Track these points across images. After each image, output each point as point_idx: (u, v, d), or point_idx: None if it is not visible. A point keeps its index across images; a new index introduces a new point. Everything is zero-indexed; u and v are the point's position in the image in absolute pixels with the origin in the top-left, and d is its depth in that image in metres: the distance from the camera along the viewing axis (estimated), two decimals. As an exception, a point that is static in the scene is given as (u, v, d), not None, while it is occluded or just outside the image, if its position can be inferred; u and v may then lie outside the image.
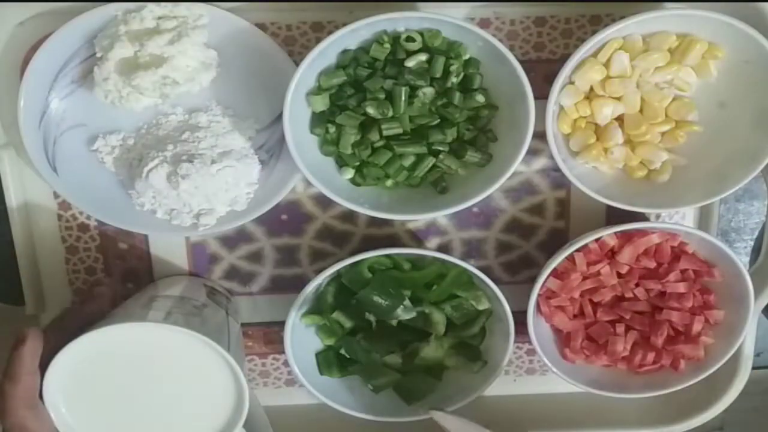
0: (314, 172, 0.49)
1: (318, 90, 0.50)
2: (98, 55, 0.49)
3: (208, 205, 0.52)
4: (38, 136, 0.51)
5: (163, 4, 0.49)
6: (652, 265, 0.54)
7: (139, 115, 0.52)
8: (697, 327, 0.54)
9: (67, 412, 0.45)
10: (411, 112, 0.50)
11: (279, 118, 0.49)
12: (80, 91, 0.51)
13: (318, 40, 0.48)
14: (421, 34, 0.49)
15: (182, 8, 0.49)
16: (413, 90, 0.49)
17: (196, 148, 0.51)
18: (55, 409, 0.45)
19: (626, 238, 0.54)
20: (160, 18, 0.49)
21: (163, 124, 0.52)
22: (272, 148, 0.53)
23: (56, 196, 0.55)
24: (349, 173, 0.52)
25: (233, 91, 0.52)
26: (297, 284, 0.56)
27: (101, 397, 0.46)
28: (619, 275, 0.54)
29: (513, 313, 0.53)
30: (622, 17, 0.48)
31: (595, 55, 0.50)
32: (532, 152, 0.56)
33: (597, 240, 0.53)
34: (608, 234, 0.53)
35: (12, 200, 0.54)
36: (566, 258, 0.53)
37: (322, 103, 0.50)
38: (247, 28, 0.50)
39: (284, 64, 0.50)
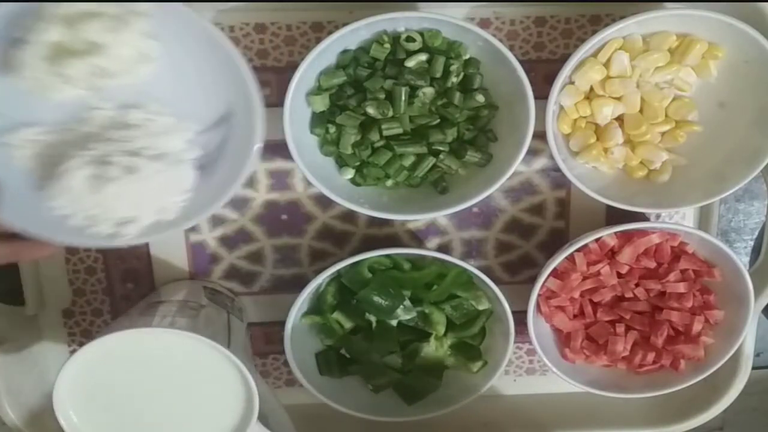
0: (314, 172, 0.49)
1: (318, 90, 0.50)
2: (19, 35, 0.42)
3: (132, 212, 0.46)
4: None
5: None
6: (652, 265, 0.54)
7: (62, 107, 0.45)
8: (697, 327, 0.54)
9: (78, 420, 0.45)
10: (411, 112, 0.50)
11: (222, 120, 0.47)
12: (3, 76, 0.44)
13: (318, 40, 0.48)
14: (421, 34, 0.49)
15: None
16: (413, 90, 0.49)
17: (125, 148, 0.45)
18: (65, 418, 0.45)
19: (626, 238, 0.54)
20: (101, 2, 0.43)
21: (88, 120, 0.46)
22: (212, 153, 0.47)
23: None
24: (349, 173, 0.52)
25: (173, 88, 0.46)
26: (297, 284, 0.56)
27: (110, 404, 0.46)
28: (619, 275, 0.54)
29: (513, 313, 0.53)
30: (622, 17, 0.48)
31: (595, 55, 0.50)
32: (532, 152, 0.56)
33: (597, 240, 0.53)
34: (608, 234, 0.53)
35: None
36: (566, 258, 0.53)
37: (322, 103, 0.50)
38: (194, 18, 0.44)
39: (234, 60, 0.44)
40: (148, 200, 0.46)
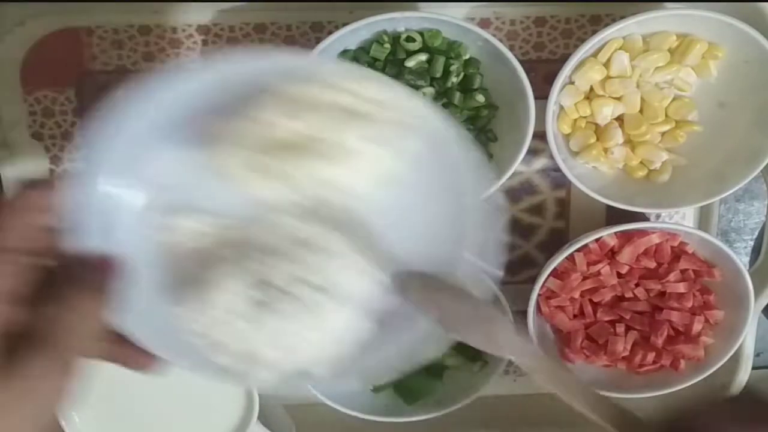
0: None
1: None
2: (252, 113, 0.33)
3: (278, 354, 0.35)
4: (103, 180, 0.34)
5: (398, 87, 0.34)
6: (652, 265, 0.54)
7: (244, 201, 0.35)
8: (697, 327, 0.54)
9: (79, 421, 0.45)
10: (411, 112, 0.50)
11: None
12: (192, 146, 0.35)
13: (318, 40, 0.48)
14: (421, 34, 0.49)
15: (406, 102, 0.34)
16: (413, 90, 0.49)
17: (305, 277, 0.34)
18: (66, 418, 0.45)
19: (626, 238, 0.54)
20: (372, 101, 0.33)
21: (277, 229, 0.35)
22: (399, 308, 0.37)
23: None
24: (350, 173, 0.52)
25: (389, 221, 0.36)
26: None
27: (111, 404, 0.46)
28: (619, 275, 0.54)
29: (513, 313, 0.53)
30: (622, 17, 0.48)
31: (595, 55, 0.50)
32: (532, 152, 0.56)
33: (597, 240, 0.53)
34: (608, 234, 0.53)
35: (12, 201, 0.54)
36: (566, 258, 0.53)
37: (322, 104, 0.50)
38: (460, 155, 0.35)
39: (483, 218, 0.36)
40: (304, 345, 0.35)
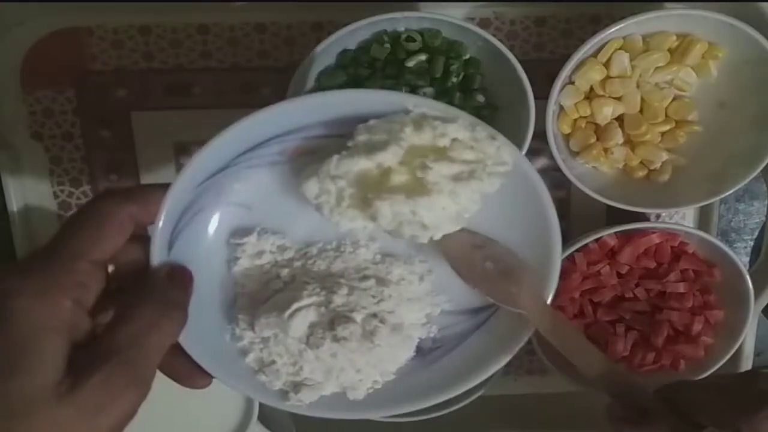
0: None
1: (318, 90, 0.50)
2: (349, 144, 0.35)
3: (320, 378, 0.37)
4: (188, 196, 0.35)
5: (480, 128, 0.36)
6: (652, 265, 0.54)
7: (320, 228, 0.38)
8: (697, 327, 0.54)
9: None
10: (411, 112, 0.50)
11: (480, 310, 0.39)
12: (279, 169, 0.37)
13: (318, 40, 0.48)
14: (421, 34, 0.49)
15: (489, 144, 0.36)
16: (413, 90, 0.49)
17: (367, 306, 0.37)
18: None
19: (626, 238, 0.54)
20: (456, 140, 0.35)
21: (344, 255, 0.38)
22: (444, 341, 0.39)
23: (56, 196, 0.55)
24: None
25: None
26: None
27: None
28: (619, 275, 0.54)
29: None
30: (622, 17, 0.48)
31: (595, 55, 0.50)
32: (532, 152, 0.56)
33: (597, 240, 0.53)
34: (608, 234, 0.53)
35: (12, 203, 0.54)
36: (566, 258, 0.53)
37: (322, 104, 0.50)
38: (539, 192, 0.37)
39: (550, 248, 0.38)
40: (348, 371, 0.37)
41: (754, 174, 0.50)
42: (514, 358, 0.62)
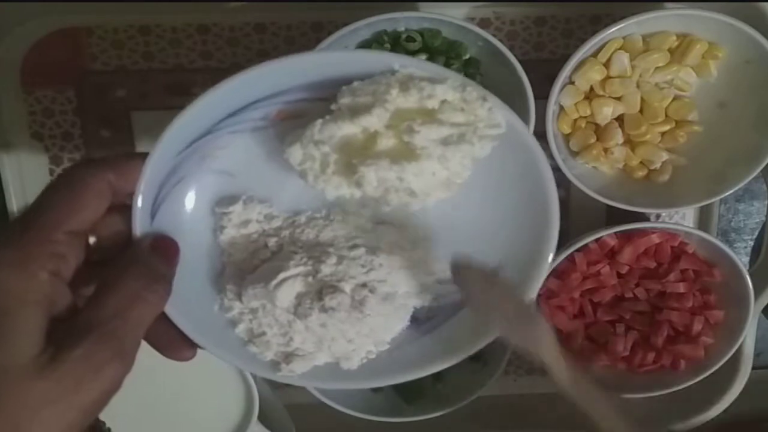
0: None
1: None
2: (333, 108, 0.33)
3: (312, 348, 0.36)
4: (168, 164, 0.34)
5: (471, 89, 0.34)
6: (652, 265, 0.54)
7: (307, 196, 0.36)
8: (697, 327, 0.54)
9: None
10: (411, 112, 0.50)
11: None
12: (262, 134, 0.35)
13: (318, 40, 0.48)
14: (421, 34, 0.49)
15: (480, 106, 0.34)
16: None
17: (357, 275, 0.35)
18: None
19: (626, 238, 0.54)
20: (445, 102, 0.33)
21: (333, 224, 0.37)
22: (439, 309, 0.38)
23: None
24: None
25: (445, 221, 0.37)
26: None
27: (111, 404, 0.46)
28: (619, 275, 0.54)
29: (513, 313, 0.53)
30: (622, 17, 0.48)
31: (595, 55, 0.50)
32: (532, 152, 0.56)
33: (597, 240, 0.53)
34: (608, 234, 0.53)
35: (12, 203, 0.54)
36: (566, 258, 0.53)
37: (322, 104, 0.50)
38: (534, 152, 0.35)
39: (548, 212, 0.36)
40: (340, 341, 0.36)
41: (754, 174, 0.50)
42: (514, 358, 0.62)
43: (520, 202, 0.36)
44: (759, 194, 0.61)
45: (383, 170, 0.33)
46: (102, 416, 0.46)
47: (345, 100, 0.33)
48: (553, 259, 0.52)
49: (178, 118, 0.32)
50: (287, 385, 0.62)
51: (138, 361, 0.45)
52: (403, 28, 0.49)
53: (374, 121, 0.33)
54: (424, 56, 0.49)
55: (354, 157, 0.33)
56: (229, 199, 0.36)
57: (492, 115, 0.34)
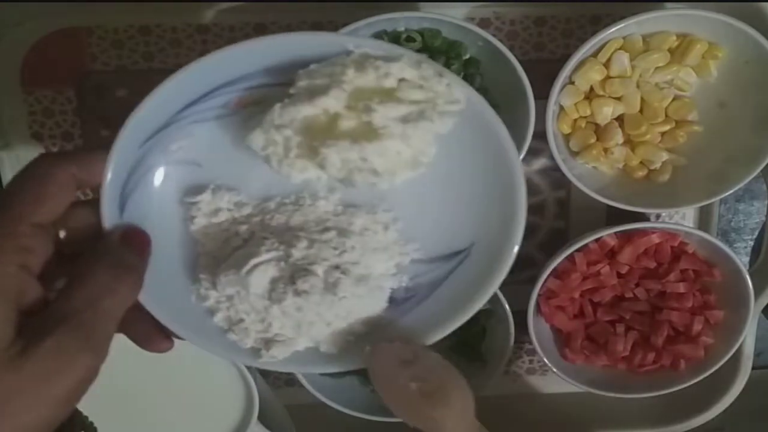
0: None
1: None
2: (292, 91, 0.33)
3: (291, 333, 0.36)
4: (133, 156, 0.34)
5: (426, 66, 0.33)
6: (652, 265, 0.54)
7: (274, 182, 0.36)
8: (697, 327, 0.54)
9: None
10: (411, 112, 0.50)
11: (452, 256, 0.38)
12: (225, 122, 0.35)
13: (318, 40, 0.48)
14: (421, 34, 0.49)
15: (438, 82, 0.34)
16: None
17: (329, 258, 0.36)
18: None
19: (626, 238, 0.54)
20: (403, 81, 0.33)
21: (303, 208, 0.37)
22: (416, 290, 0.38)
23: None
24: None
25: (417, 201, 0.37)
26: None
27: (110, 403, 0.46)
28: (619, 275, 0.54)
29: (513, 313, 0.53)
30: (622, 17, 0.48)
31: (595, 55, 0.50)
32: (532, 152, 0.56)
33: (597, 240, 0.53)
34: (608, 234, 0.53)
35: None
36: (566, 258, 0.53)
37: (322, 103, 0.50)
38: (494, 128, 0.35)
39: (514, 188, 0.35)
40: (318, 325, 0.36)
41: (754, 174, 0.50)
42: (515, 357, 0.62)
43: (487, 178, 0.36)
44: (759, 194, 0.61)
45: (345, 151, 0.33)
46: (101, 416, 0.46)
47: (302, 83, 0.33)
48: (553, 259, 0.53)
49: (137, 108, 0.32)
50: (287, 385, 0.62)
51: (138, 362, 0.46)
52: (403, 28, 0.49)
53: (333, 102, 0.33)
54: (424, 56, 0.49)
55: (316, 139, 0.33)
56: (197, 189, 0.36)
57: (450, 90, 0.34)
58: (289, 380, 0.62)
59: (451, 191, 0.37)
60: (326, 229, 0.36)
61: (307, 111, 0.33)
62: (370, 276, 0.37)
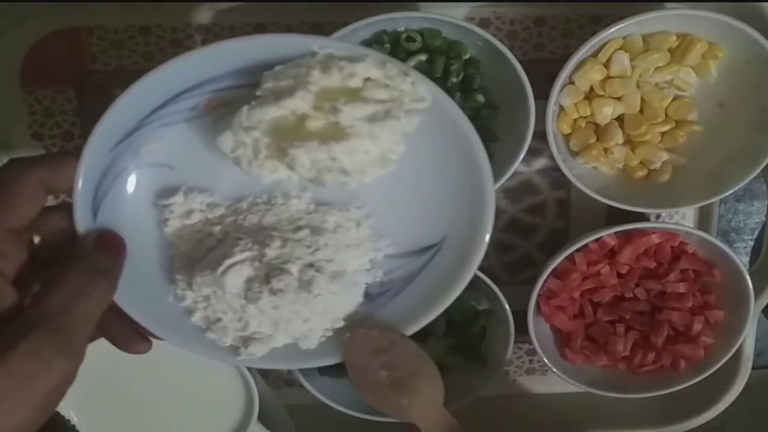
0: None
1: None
2: (258, 93, 0.34)
3: (269, 330, 0.37)
4: (104, 160, 0.34)
5: (391, 65, 0.34)
6: (652, 265, 0.54)
7: (246, 182, 0.37)
8: (697, 327, 0.54)
9: (78, 420, 0.46)
10: (411, 112, 0.50)
11: (425, 250, 0.39)
12: (195, 124, 0.36)
13: (318, 40, 0.48)
14: (421, 34, 0.49)
15: (402, 81, 0.34)
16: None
17: (303, 256, 0.36)
18: (65, 414, 0.45)
19: (626, 238, 0.54)
20: (369, 80, 0.34)
21: (275, 208, 0.37)
22: (391, 284, 0.39)
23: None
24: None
25: (388, 198, 0.38)
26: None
27: (110, 404, 0.46)
28: (619, 275, 0.54)
29: (513, 313, 0.53)
30: (622, 17, 0.48)
31: (595, 55, 0.50)
32: (532, 152, 0.56)
33: (597, 240, 0.53)
34: (608, 234, 0.53)
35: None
36: (566, 258, 0.53)
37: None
38: (461, 125, 0.35)
39: (481, 183, 0.37)
40: (295, 322, 0.37)
41: (754, 174, 0.50)
42: (514, 357, 0.62)
43: (456, 173, 0.37)
44: (759, 194, 0.61)
45: (313, 151, 0.33)
46: (101, 416, 0.46)
47: (268, 85, 0.33)
48: (553, 259, 0.53)
49: (106, 113, 0.33)
50: (287, 385, 0.62)
51: (138, 362, 0.46)
52: (403, 28, 0.49)
53: (299, 103, 0.33)
54: (424, 56, 0.49)
55: (284, 140, 0.34)
56: (170, 191, 0.36)
57: (415, 89, 0.34)
58: (289, 380, 0.62)
59: (421, 187, 0.37)
60: (299, 228, 0.37)
61: (274, 112, 0.33)
62: (345, 272, 0.37)
